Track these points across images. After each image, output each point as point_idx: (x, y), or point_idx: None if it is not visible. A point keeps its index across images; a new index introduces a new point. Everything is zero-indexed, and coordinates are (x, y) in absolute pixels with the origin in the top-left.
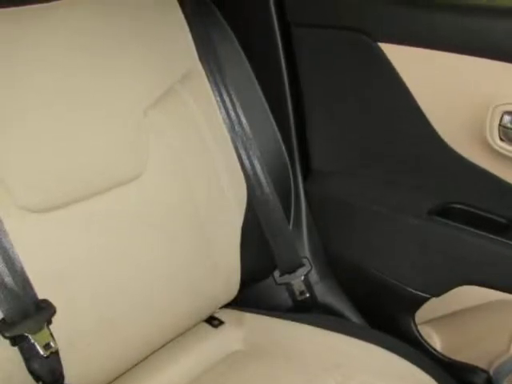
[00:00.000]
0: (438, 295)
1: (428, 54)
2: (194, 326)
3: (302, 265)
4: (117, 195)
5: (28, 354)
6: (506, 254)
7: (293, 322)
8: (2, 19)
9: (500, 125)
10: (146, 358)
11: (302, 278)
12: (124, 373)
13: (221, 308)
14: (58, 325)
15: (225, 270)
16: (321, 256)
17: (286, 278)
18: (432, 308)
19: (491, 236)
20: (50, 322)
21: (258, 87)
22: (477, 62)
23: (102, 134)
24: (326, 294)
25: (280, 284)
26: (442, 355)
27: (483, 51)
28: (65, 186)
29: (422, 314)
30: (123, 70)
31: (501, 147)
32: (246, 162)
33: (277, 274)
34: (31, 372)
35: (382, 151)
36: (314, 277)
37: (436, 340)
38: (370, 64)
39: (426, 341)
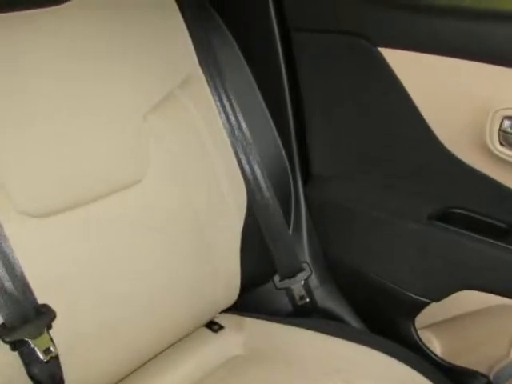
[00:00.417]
0: (437, 300)
1: (428, 59)
2: (194, 330)
3: (301, 269)
4: (117, 200)
5: (28, 359)
6: (506, 259)
7: (293, 327)
8: (2, 24)
9: (500, 130)
10: (146, 362)
11: (302, 282)
12: (124, 377)
13: (221, 313)
14: (58, 329)
15: (225, 274)
16: (321, 261)
17: (286, 283)
18: (432, 313)
19: (491, 241)
20: (50, 327)
21: (258, 92)
22: (477, 67)
23: (102, 140)
24: (325, 298)
25: (280, 289)
26: (442, 360)
27: (483, 56)
28: (65, 190)
29: (422, 318)
30: (123, 75)
31: (501, 152)
32: (246, 167)
33: (277, 278)
34: (31, 377)
35: (382, 156)
36: (313, 281)
37: (436, 345)
38: (370, 69)
39: (426, 345)
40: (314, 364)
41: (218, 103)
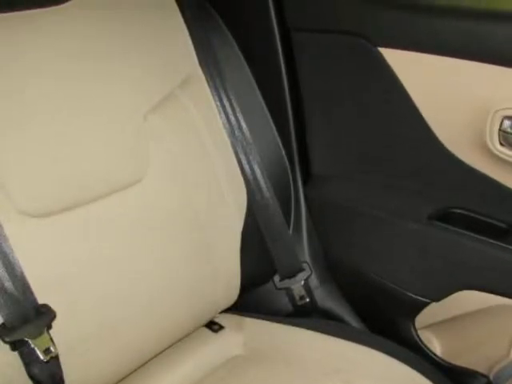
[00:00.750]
0: (437, 300)
1: (428, 59)
2: (194, 330)
3: (301, 269)
4: (117, 200)
5: (28, 359)
6: (506, 259)
7: (293, 327)
8: (2, 24)
9: (500, 130)
10: (146, 362)
11: (302, 282)
12: (124, 377)
13: (221, 313)
14: (58, 329)
15: (225, 274)
16: (321, 261)
17: (286, 283)
18: (432, 313)
19: (491, 241)
20: (50, 327)
21: (258, 92)
22: (477, 67)
23: (102, 140)
24: (325, 298)
25: (280, 289)
26: (442, 360)
27: (483, 56)
28: (65, 191)
29: (422, 318)
30: (123, 74)
31: (501, 152)
32: (246, 167)
33: (277, 278)
34: (31, 377)
35: (382, 156)
36: (313, 281)
37: (436, 345)
38: (370, 69)
39: (426, 345)
40: (314, 364)
41: (218, 103)
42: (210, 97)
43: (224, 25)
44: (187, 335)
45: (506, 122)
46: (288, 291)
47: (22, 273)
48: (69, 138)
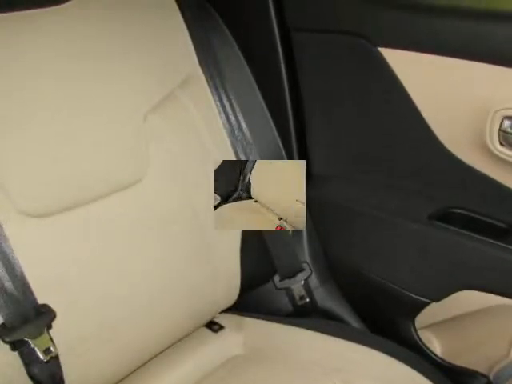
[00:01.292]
0: (438, 300)
1: (428, 59)
2: (194, 330)
3: (301, 269)
4: (117, 200)
5: (28, 359)
6: (506, 259)
7: (293, 327)
8: (2, 24)
9: (500, 130)
10: (146, 362)
11: (302, 282)
12: (124, 378)
13: (221, 313)
14: (58, 330)
15: (225, 274)
16: (321, 261)
17: (286, 283)
18: (432, 313)
19: (491, 241)
20: (50, 327)
21: (258, 92)
22: (477, 67)
23: (102, 140)
24: (325, 298)
25: (280, 289)
26: (442, 360)
27: (483, 56)
28: (65, 190)
29: (422, 318)
30: (123, 74)
31: (501, 152)
32: None
33: (277, 278)
34: (31, 377)
35: (382, 156)
36: (313, 281)
37: (436, 345)
38: (370, 69)
39: (426, 345)
40: (314, 364)
41: (218, 103)
42: (210, 97)
43: (224, 25)
44: (187, 335)
45: (506, 122)
46: (288, 291)
47: (22, 273)
48: (69, 138)
